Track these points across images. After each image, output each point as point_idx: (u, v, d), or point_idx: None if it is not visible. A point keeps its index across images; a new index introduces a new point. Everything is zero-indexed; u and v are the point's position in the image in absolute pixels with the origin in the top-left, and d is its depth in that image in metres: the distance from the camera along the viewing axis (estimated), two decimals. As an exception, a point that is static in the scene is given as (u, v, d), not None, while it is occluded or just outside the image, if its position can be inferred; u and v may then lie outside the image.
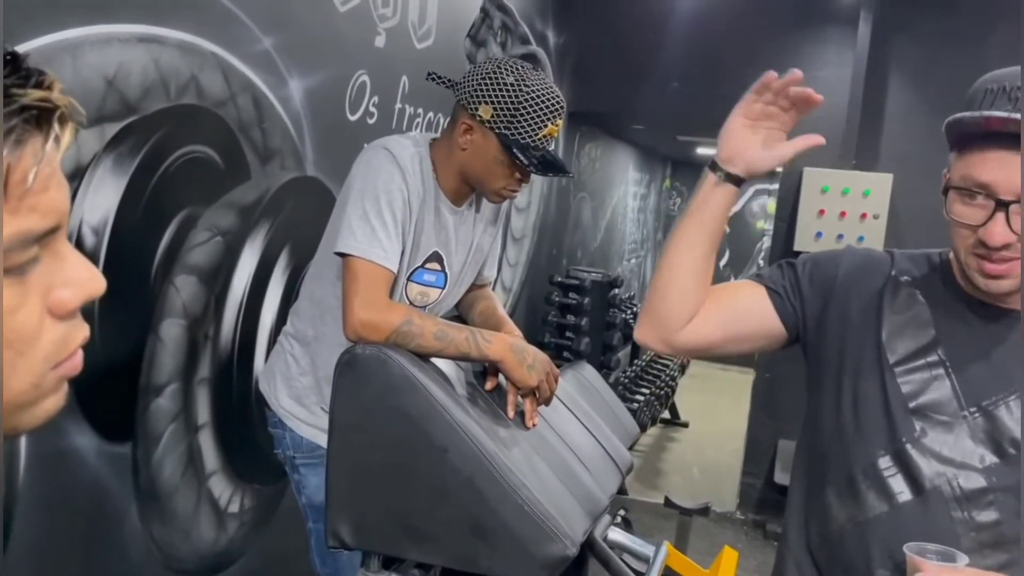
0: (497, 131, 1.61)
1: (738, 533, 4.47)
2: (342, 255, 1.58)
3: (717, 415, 6.86)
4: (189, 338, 2.02)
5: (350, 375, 1.49)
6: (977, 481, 1.12)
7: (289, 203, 2.31)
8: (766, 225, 8.86)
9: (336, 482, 1.53)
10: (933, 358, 1.17)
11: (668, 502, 4.71)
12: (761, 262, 8.94)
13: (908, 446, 1.15)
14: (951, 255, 1.22)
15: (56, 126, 0.48)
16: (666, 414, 6.63)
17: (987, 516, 1.11)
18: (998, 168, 1.06)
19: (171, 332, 1.96)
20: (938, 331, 1.18)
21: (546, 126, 1.61)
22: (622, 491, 4.87)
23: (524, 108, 1.60)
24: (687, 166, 9.55)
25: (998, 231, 1.06)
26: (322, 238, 1.76)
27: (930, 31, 4.32)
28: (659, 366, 6.77)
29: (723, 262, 9.70)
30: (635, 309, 6.20)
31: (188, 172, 1.93)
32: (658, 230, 9.42)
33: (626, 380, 5.98)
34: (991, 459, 1.12)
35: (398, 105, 2.84)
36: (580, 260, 6.09)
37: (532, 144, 1.62)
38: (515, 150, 1.61)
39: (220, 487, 2.21)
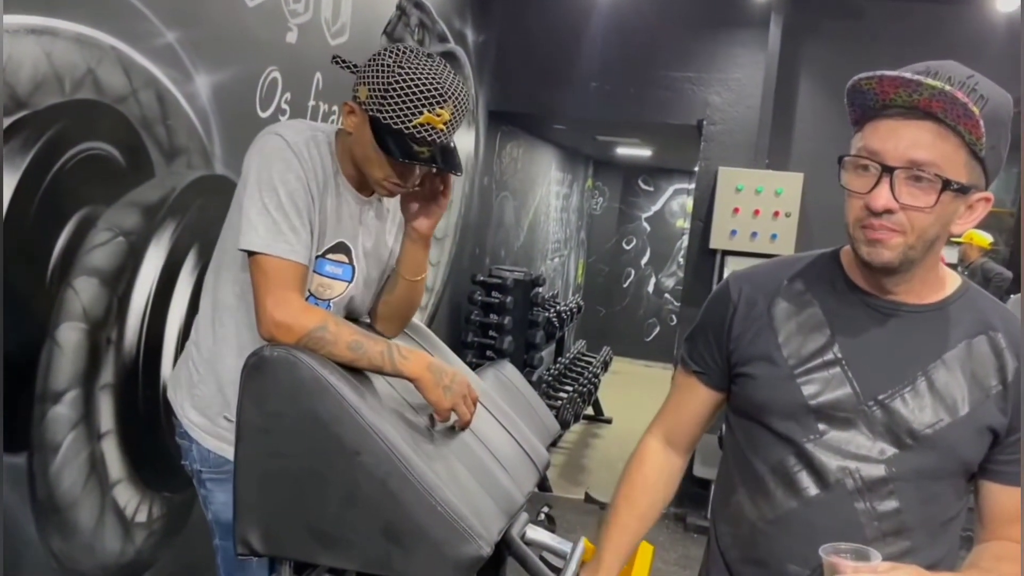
0: (370, 113, 1.54)
1: (659, 527, 4.54)
2: (247, 252, 1.53)
3: (640, 411, 6.93)
4: (90, 342, 1.94)
5: (258, 378, 1.45)
6: (878, 472, 1.15)
7: (197, 202, 2.25)
8: (685, 224, 9.03)
9: (244, 488, 1.49)
10: (829, 357, 1.19)
11: (588, 498, 4.77)
12: (681, 260, 9.11)
13: (811, 445, 1.18)
14: (843, 249, 1.25)
15: None
16: (590, 411, 6.69)
17: (888, 505, 1.15)
18: (889, 136, 1.08)
19: (70, 336, 1.88)
20: (832, 330, 1.20)
21: (421, 113, 1.50)
22: (546, 488, 4.90)
23: (394, 89, 1.50)
24: (608, 166, 9.65)
25: (881, 195, 1.08)
26: (220, 234, 1.69)
27: (837, 34, 4.47)
28: (582, 364, 6.83)
29: (644, 260, 9.85)
30: (558, 307, 6.23)
31: (86, 170, 1.86)
32: (581, 229, 9.51)
33: (549, 378, 6.02)
34: (891, 450, 1.15)
35: (311, 102, 2.79)
36: (503, 259, 6.09)
37: (405, 131, 1.52)
38: (383, 133, 1.53)
39: (126, 496, 2.14)
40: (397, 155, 1.54)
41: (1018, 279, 6.55)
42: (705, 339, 1.32)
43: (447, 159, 1.59)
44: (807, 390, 1.18)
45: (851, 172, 1.13)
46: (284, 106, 2.62)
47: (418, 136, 1.52)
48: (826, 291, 1.23)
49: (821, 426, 1.18)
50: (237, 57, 2.36)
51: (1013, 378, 1.15)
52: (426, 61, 1.53)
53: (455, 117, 1.54)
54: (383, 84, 1.51)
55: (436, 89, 1.51)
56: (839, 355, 1.19)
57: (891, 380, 1.17)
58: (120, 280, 2.03)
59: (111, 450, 2.07)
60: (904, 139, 1.07)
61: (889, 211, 1.08)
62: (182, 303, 2.26)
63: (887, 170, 1.08)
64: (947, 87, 1.02)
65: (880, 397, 1.16)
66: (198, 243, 2.28)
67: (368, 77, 1.53)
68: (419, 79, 1.50)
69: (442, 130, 1.54)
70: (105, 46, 1.86)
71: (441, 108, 1.51)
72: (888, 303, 1.19)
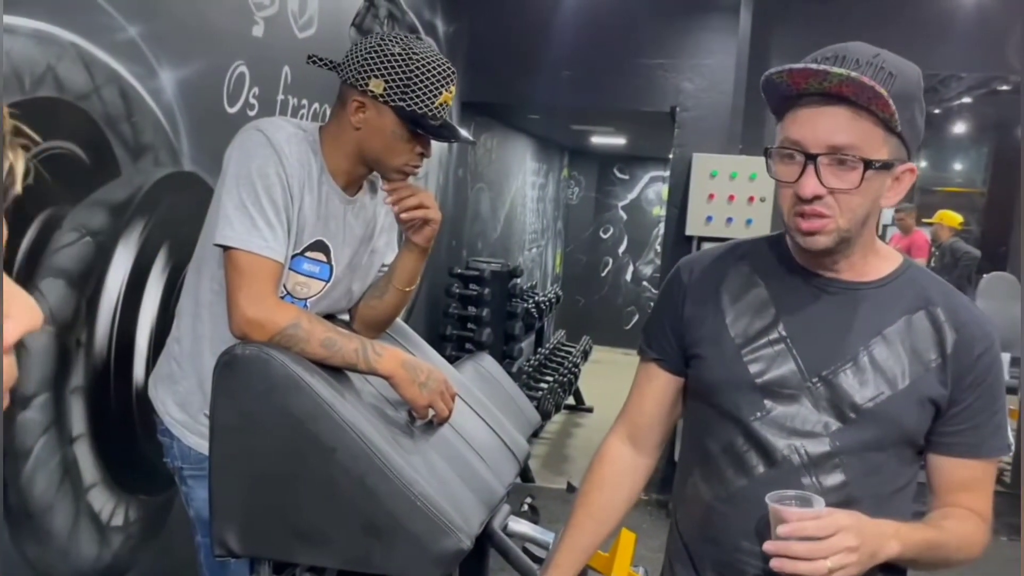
0: (392, 104, 1.56)
1: (642, 514, 4.55)
2: (223, 248, 1.52)
3: (621, 399, 6.92)
4: (59, 345, 1.91)
5: (230, 376, 1.44)
6: (823, 447, 1.18)
7: (165, 200, 2.21)
8: (661, 211, 9.05)
9: (220, 488, 1.47)
10: (774, 335, 1.22)
11: (571, 487, 4.78)
12: (658, 247, 9.12)
13: (757, 423, 1.21)
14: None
15: (10, 155, 0.47)
16: (571, 400, 6.70)
17: (834, 479, 1.18)
18: (807, 124, 1.12)
19: (37, 340, 1.85)
20: (777, 309, 1.23)
21: (441, 94, 1.57)
22: (529, 479, 4.91)
23: (416, 77, 1.55)
24: (583, 155, 9.65)
25: (808, 183, 1.11)
26: (202, 230, 1.68)
27: (807, 17, 4.48)
28: (562, 353, 6.84)
29: (621, 249, 9.87)
30: (537, 298, 6.22)
31: (49, 170, 1.82)
32: (557, 219, 9.51)
33: (530, 369, 6.01)
34: (835, 424, 1.18)
35: (280, 96, 2.75)
36: (480, 251, 6.08)
37: (429, 114, 1.57)
38: (413, 121, 1.57)
39: (101, 500, 2.10)
40: (439, 136, 1.62)
41: (986, 258, 6.63)
42: (661, 325, 1.35)
43: (458, 131, 1.69)
44: (753, 368, 1.21)
45: (778, 162, 1.16)
46: (252, 100, 2.58)
47: (437, 116, 1.59)
48: (771, 272, 1.26)
49: (767, 403, 1.20)
50: (202, 51, 2.32)
51: (952, 351, 1.18)
52: (423, 44, 1.60)
53: (455, 91, 1.64)
54: (404, 74, 1.55)
55: (447, 69, 1.59)
56: (783, 333, 1.22)
57: (834, 356, 1.19)
58: (88, 281, 1.99)
59: (84, 454, 2.04)
60: (822, 126, 1.11)
61: (818, 196, 1.12)
62: (153, 302, 2.23)
63: (810, 157, 1.11)
64: (852, 73, 1.06)
65: (823, 373, 1.19)
66: (168, 241, 2.24)
67: (381, 70, 1.56)
68: (433, 63, 1.57)
69: (451, 106, 1.63)
70: (65, 42, 1.82)
71: (453, 85, 1.60)
72: (830, 281, 1.22)
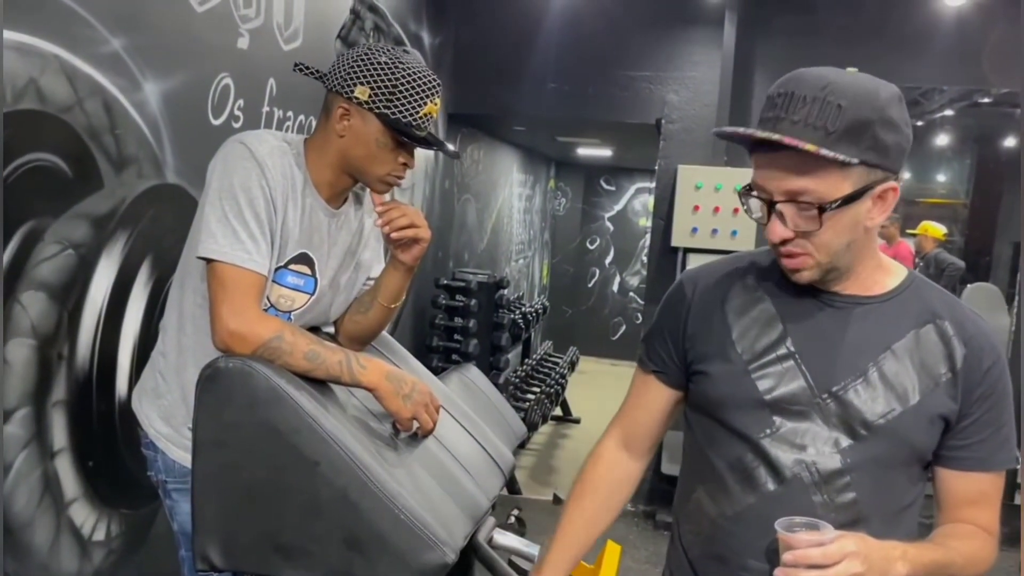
0: (376, 111, 1.57)
1: (629, 525, 4.55)
2: (206, 260, 1.51)
3: (608, 410, 6.91)
4: (40, 359, 1.89)
5: (213, 390, 1.43)
6: (833, 464, 1.17)
7: (149, 212, 2.20)
8: (647, 222, 9.08)
9: (202, 501, 1.46)
10: (783, 351, 1.21)
11: (556, 499, 4.78)
12: (644, 258, 9.15)
13: (767, 440, 1.19)
14: None
15: None
16: (558, 411, 6.69)
17: (845, 497, 1.17)
18: (765, 172, 1.13)
19: (18, 353, 1.83)
20: (784, 324, 1.22)
21: (425, 104, 1.59)
22: (516, 490, 4.89)
23: (402, 85, 1.57)
24: (570, 166, 9.68)
25: (774, 230, 1.14)
26: (186, 242, 1.67)
27: (790, 29, 4.52)
28: (549, 364, 6.83)
29: (608, 260, 9.89)
30: (523, 309, 6.22)
31: (31, 182, 1.81)
32: (544, 230, 9.52)
33: (516, 380, 6.00)
34: (845, 441, 1.17)
35: (265, 108, 2.75)
36: (467, 262, 6.08)
37: (413, 123, 1.58)
38: (397, 129, 1.58)
39: (82, 515, 2.09)
40: (422, 144, 1.63)
41: (969, 269, 6.70)
42: (662, 339, 1.34)
43: (442, 142, 1.71)
44: (762, 384, 1.20)
45: (750, 201, 1.17)
46: (237, 112, 2.58)
47: (422, 125, 1.60)
48: (777, 286, 1.25)
49: (776, 420, 1.19)
50: (187, 64, 2.32)
51: (962, 365, 1.18)
52: (411, 56, 1.62)
53: (440, 104, 1.65)
54: (390, 82, 1.56)
55: (433, 80, 1.61)
56: (792, 348, 1.20)
57: (843, 372, 1.18)
58: (70, 294, 1.98)
59: (65, 468, 2.02)
60: (775, 175, 1.12)
61: (786, 240, 1.13)
62: (136, 315, 2.21)
63: (771, 205, 1.13)
64: (774, 137, 1.07)
65: (833, 389, 1.18)
66: (152, 253, 2.23)
67: (368, 77, 1.57)
68: (418, 73, 1.59)
69: (435, 118, 1.63)
70: (47, 55, 1.82)
71: (438, 97, 1.61)
72: (836, 296, 1.21)
